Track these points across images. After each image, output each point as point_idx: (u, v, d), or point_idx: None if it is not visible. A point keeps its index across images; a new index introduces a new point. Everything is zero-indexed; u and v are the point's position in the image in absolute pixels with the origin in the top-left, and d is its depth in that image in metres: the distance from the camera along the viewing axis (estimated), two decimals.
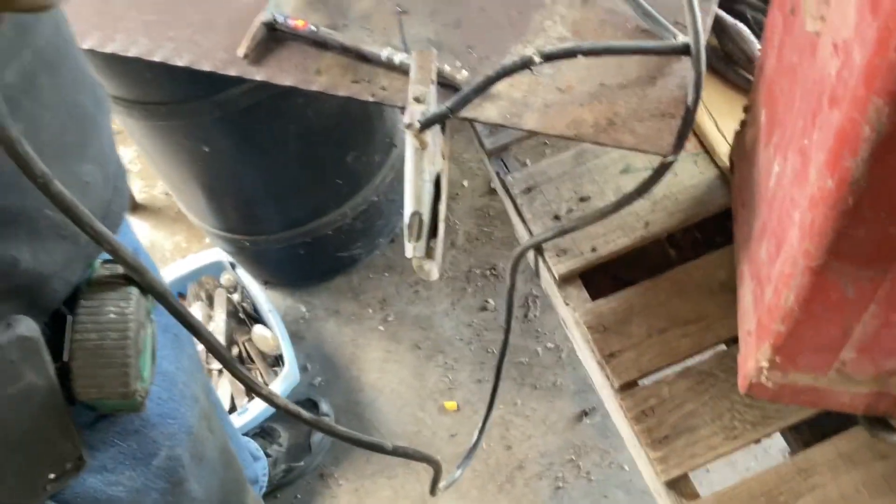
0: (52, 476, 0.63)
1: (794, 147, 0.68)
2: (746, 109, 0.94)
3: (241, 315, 1.62)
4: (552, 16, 0.91)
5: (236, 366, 0.69)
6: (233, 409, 1.51)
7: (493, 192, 1.78)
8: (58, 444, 0.62)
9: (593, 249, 1.00)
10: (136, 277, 0.62)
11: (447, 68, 0.85)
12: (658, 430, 0.89)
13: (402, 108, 0.79)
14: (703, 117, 1.06)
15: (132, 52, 0.93)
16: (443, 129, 0.81)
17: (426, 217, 0.73)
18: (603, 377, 0.95)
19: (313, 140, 1.37)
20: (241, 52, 0.90)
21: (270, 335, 1.56)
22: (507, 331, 1.04)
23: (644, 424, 0.90)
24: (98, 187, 0.64)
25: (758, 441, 0.89)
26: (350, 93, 0.88)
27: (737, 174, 0.96)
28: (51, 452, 0.62)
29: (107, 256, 0.62)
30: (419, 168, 0.75)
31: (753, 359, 0.77)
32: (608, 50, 0.83)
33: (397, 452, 0.82)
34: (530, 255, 1.05)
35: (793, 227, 0.66)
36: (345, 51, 0.89)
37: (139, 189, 1.91)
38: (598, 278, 1.01)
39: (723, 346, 0.95)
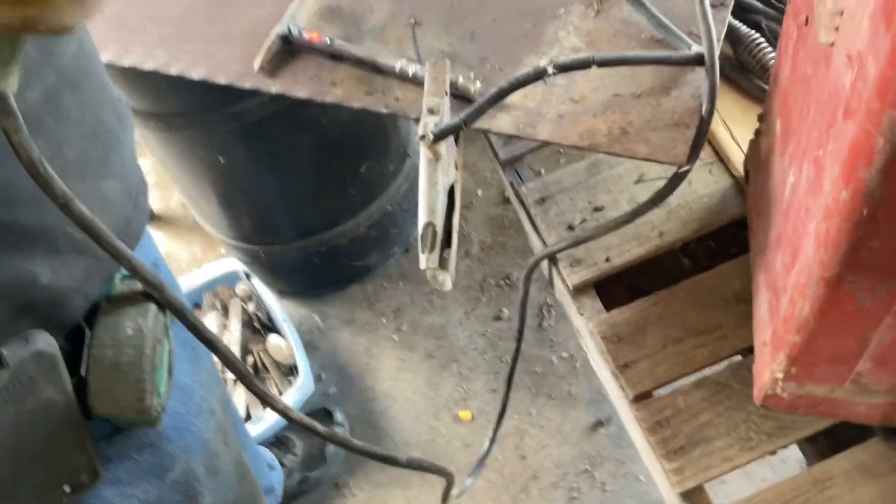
0: (67, 489, 0.63)
1: (808, 157, 0.68)
2: (761, 118, 0.94)
3: (256, 325, 1.63)
4: (566, 27, 0.92)
5: (253, 380, 0.69)
6: (248, 418, 1.51)
7: (507, 201, 1.78)
8: (74, 458, 0.63)
9: (607, 259, 1.00)
10: (155, 294, 0.62)
11: (461, 80, 0.86)
12: (673, 440, 0.89)
13: (416, 120, 0.80)
14: (717, 126, 1.05)
15: (149, 66, 0.94)
16: (456, 140, 0.81)
17: (440, 228, 0.74)
18: (617, 388, 0.94)
19: (328, 150, 1.38)
20: (256, 64, 0.91)
21: (285, 345, 1.57)
22: (520, 340, 1.05)
23: (659, 435, 0.89)
24: (119, 203, 0.65)
25: (773, 452, 0.88)
26: (364, 104, 0.88)
27: (752, 183, 0.96)
28: (67, 465, 0.63)
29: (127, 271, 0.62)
30: (433, 179, 0.75)
31: (769, 369, 0.77)
32: (622, 60, 0.83)
33: (411, 465, 0.82)
34: (544, 264, 1.05)
35: (808, 237, 0.66)
36: (359, 63, 0.90)
37: (156, 200, 1.92)
38: (613, 288, 1.01)
39: (738, 357, 0.95)
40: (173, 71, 0.93)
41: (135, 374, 0.62)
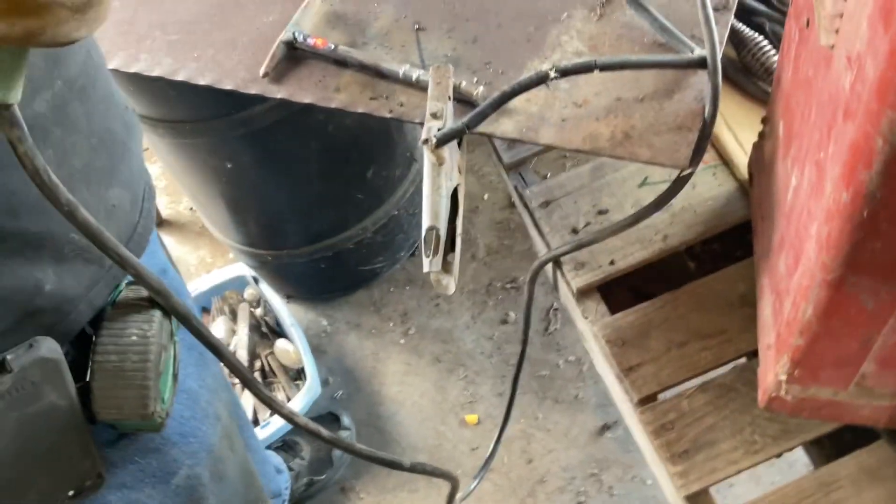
0: (71, 493, 0.64)
1: (810, 160, 0.68)
2: (765, 121, 0.94)
3: (264, 329, 1.64)
4: (569, 31, 0.92)
5: (257, 385, 0.70)
6: (255, 422, 1.52)
7: (513, 205, 1.79)
8: (77, 462, 0.63)
9: (611, 263, 1.00)
10: (160, 301, 0.63)
11: (464, 84, 0.86)
12: (678, 444, 0.89)
13: (421, 124, 0.80)
14: (721, 129, 1.05)
15: (156, 72, 0.95)
16: (459, 144, 0.81)
17: (443, 232, 0.74)
18: (622, 391, 0.94)
19: (334, 156, 1.39)
20: (262, 70, 0.91)
21: (293, 349, 1.57)
22: (524, 343, 1.05)
23: (663, 438, 0.89)
24: (125, 210, 0.66)
25: (779, 455, 0.88)
26: (368, 109, 0.89)
27: (756, 186, 0.96)
28: (70, 469, 0.63)
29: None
30: (436, 183, 0.75)
31: (773, 372, 0.77)
32: (624, 64, 0.84)
33: (415, 469, 0.82)
34: (549, 268, 1.05)
35: (810, 239, 0.66)
36: (363, 68, 0.90)
37: (165, 205, 1.94)
38: (617, 292, 1.01)
39: (743, 360, 0.95)
40: (180, 77, 0.94)
41: (138, 381, 0.62)
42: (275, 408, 0.71)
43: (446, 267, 0.75)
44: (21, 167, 0.49)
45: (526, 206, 1.06)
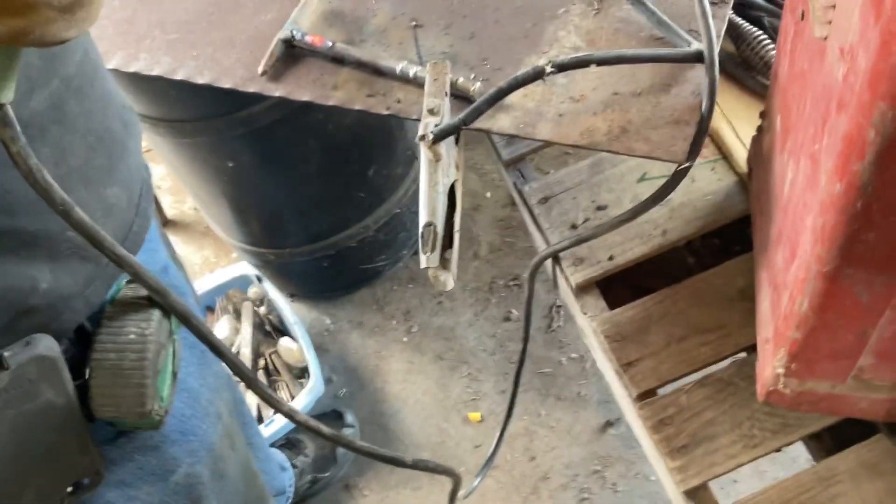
0: (69, 490, 0.64)
1: (805, 152, 0.68)
2: (763, 115, 0.94)
3: (268, 328, 1.64)
4: (566, 26, 0.92)
5: (258, 384, 0.70)
6: (260, 419, 1.52)
7: (515, 202, 1.79)
8: (76, 460, 0.63)
9: (611, 258, 1.00)
10: (158, 299, 0.63)
11: (461, 80, 0.86)
12: (677, 439, 0.89)
13: (418, 121, 0.80)
14: (720, 123, 1.05)
15: (155, 71, 0.95)
16: (456, 140, 0.82)
17: (440, 228, 0.74)
18: (621, 386, 0.94)
19: (335, 154, 1.39)
20: (260, 69, 0.92)
21: (296, 347, 1.58)
22: (525, 340, 1.05)
23: (663, 433, 0.89)
24: (122, 209, 0.66)
25: (778, 450, 0.88)
26: (366, 106, 0.89)
27: (754, 180, 0.96)
28: (68, 467, 0.63)
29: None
30: (433, 180, 0.76)
31: (771, 366, 0.77)
32: (621, 59, 0.83)
33: (417, 466, 0.82)
34: (550, 264, 1.05)
35: (805, 232, 0.66)
36: (361, 65, 0.91)
37: (169, 205, 1.95)
38: (616, 287, 1.01)
39: (743, 354, 0.94)
40: (179, 76, 0.94)
41: (136, 379, 0.62)
42: (275, 405, 0.72)
43: (444, 263, 0.75)
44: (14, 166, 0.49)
45: (525, 202, 1.06)
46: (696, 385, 0.92)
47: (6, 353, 0.55)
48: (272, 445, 1.47)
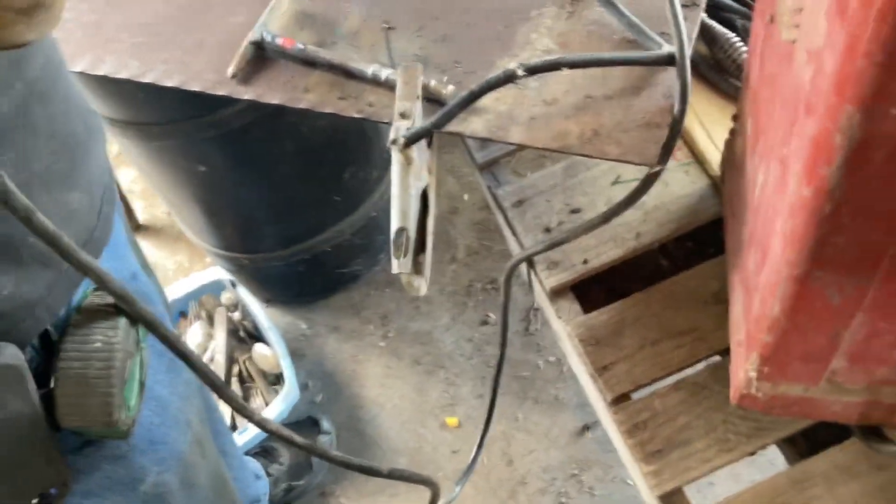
0: (35, 501, 0.63)
1: (775, 156, 0.68)
2: (735, 118, 0.94)
3: (242, 334, 1.63)
4: (538, 28, 0.92)
5: (229, 392, 0.68)
6: (234, 427, 1.51)
7: None
8: (42, 470, 0.62)
9: (585, 262, 0.99)
10: (124, 307, 0.62)
11: (433, 83, 0.86)
12: (651, 443, 0.88)
13: (390, 124, 0.80)
14: (694, 126, 1.05)
15: (123, 74, 0.94)
16: (429, 143, 0.81)
17: (412, 233, 0.73)
18: (596, 390, 0.94)
19: (309, 157, 1.38)
20: (230, 71, 0.90)
21: (271, 353, 1.56)
22: (503, 345, 1.04)
23: (637, 438, 0.89)
24: (84, 214, 0.65)
25: (752, 453, 0.88)
26: (337, 109, 0.88)
27: (727, 183, 0.96)
28: (35, 477, 0.62)
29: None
30: (405, 184, 0.75)
31: (743, 369, 0.77)
32: (592, 62, 0.83)
33: (393, 475, 0.81)
34: (525, 268, 1.05)
35: (776, 235, 0.66)
36: (332, 68, 0.90)
37: (141, 209, 1.92)
38: (591, 291, 1.01)
39: (717, 358, 0.94)
40: (147, 79, 0.93)
41: (102, 388, 0.61)
42: (246, 414, 0.70)
43: (417, 268, 0.75)
44: None
45: (499, 205, 1.06)
46: (671, 389, 0.92)
47: None
48: (247, 454, 1.46)
